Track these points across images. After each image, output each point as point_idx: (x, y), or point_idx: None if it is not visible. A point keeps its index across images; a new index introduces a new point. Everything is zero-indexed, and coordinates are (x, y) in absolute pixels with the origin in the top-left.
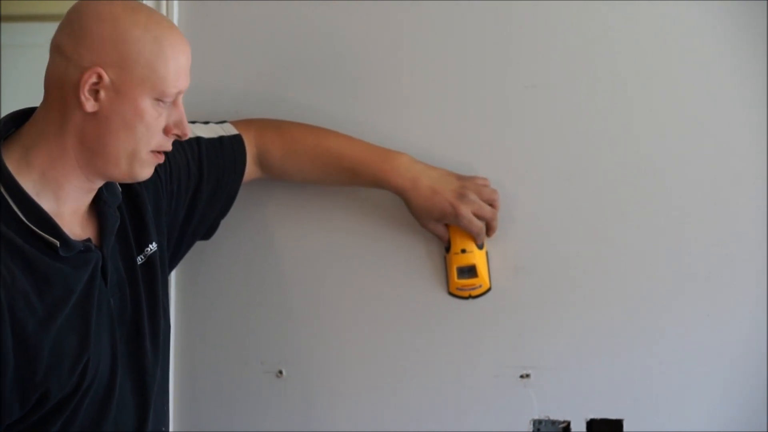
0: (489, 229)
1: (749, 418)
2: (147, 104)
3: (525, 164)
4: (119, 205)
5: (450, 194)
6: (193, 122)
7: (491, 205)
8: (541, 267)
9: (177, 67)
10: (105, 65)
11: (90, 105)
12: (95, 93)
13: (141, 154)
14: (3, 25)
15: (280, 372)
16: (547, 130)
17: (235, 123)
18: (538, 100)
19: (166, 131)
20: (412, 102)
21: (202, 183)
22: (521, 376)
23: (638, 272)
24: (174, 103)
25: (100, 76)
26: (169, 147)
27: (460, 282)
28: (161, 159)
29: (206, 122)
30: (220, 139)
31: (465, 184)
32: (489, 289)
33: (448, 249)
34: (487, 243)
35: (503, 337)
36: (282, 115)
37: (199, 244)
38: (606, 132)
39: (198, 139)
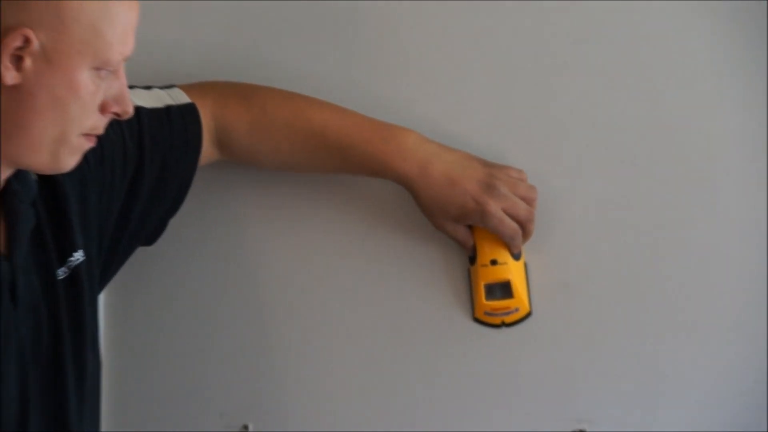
0: (523, 234)
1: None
2: (85, 76)
3: (573, 149)
4: (34, 201)
5: (473, 185)
6: (131, 87)
7: (527, 203)
8: (600, 284)
9: (125, 27)
10: (35, 25)
11: (10, 76)
12: (18, 60)
13: (70, 139)
14: None
15: (245, 428)
16: (603, 103)
17: (186, 88)
18: (590, 60)
19: (103, 108)
20: (422, 63)
21: (143, 168)
22: None
23: (731, 280)
24: (115, 73)
25: (27, 40)
26: (102, 128)
27: (490, 304)
28: (93, 142)
29: (148, 87)
30: (167, 109)
31: (494, 172)
32: (529, 314)
33: (472, 260)
34: (526, 252)
35: (548, 380)
36: (250, 79)
37: (138, 253)
38: (680, 111)
39: (138, 110)
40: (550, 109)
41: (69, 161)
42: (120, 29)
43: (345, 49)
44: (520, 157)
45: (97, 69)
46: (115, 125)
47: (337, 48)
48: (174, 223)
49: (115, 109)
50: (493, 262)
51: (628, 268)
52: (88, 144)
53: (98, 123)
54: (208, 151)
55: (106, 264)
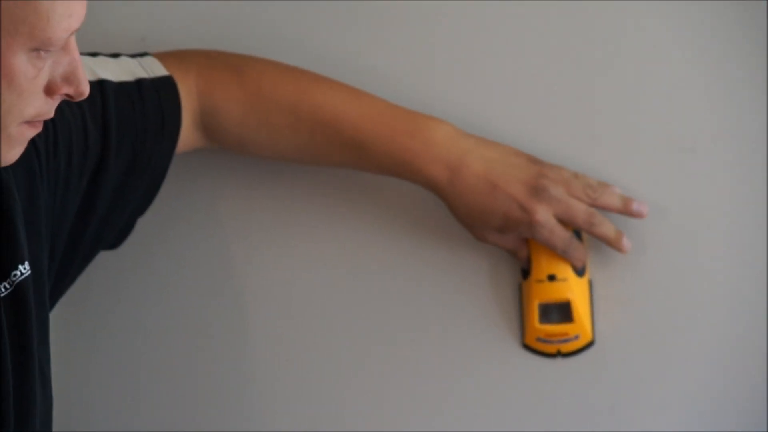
0: (617, 245)
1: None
2: (20, 60)
3: (643, 145)
4: None
5: (518, 188)
6: (94, 54)
7: (593, 203)
8: (682, 310)
9: None
10: None
11: None
12: None
13: (8, 129)
14: None
15: None
16: (674, 88)
17: (163, 57)
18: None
19: (50, 90)
20: (453, 41)
21: (108, 157)
22: None
23: None
24: (64, 47)
25: None
26: (51, 114)
27: (544, 328)
28: (39, 128)
29: (115, 55)
30: (138, 83)
31: (544, 171)
32: (591, 343)
33: (526, 274)
34: (592, 268)
35: (611, 424)
36: (246, 50)
37: (99, 258)
38: None
39: (101, 85)
40: (620, 90)
41: (9, 153)
42: (61, 2)
43: (363, 19)
44: (573, 152)
45: (36, 50)
46: (74, 105)
47: (352, 16)
48: (142, 223)
49: (66, 90)
50: (551, 278)
51: (716, 288)
52: (33, 131)
53: (44, 108)
54: (189, 136)
55: (61, 273)
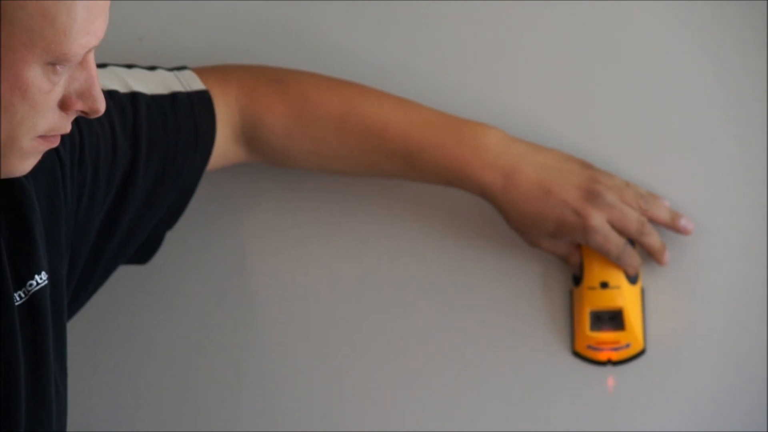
0: (659, 256)
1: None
2: (34, 73)
3: (692, 148)
4: None
5: (572, 193)
6: (130, 66)
7: (644, 213)
8: (737, 321)
9: (88, 11)
10: None
11: None
12: None
13: (21, 142)
14: None
15: None
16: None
17: (201, 71)
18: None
19: (64, 106)
20: (502, 47)
21: (137, 170)
22: None
23: None
24: (81, 62)
25: None
26: (67, 129)
27: (595, 336)
28: (55, 143)
29: (152, 67)
30: (173, 96)
31: (597, 176)
32: (642, 352)
33: (577, 280)
34: (645, 275)
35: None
36: (245, 49)
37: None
38: None
39: (134, 96)
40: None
41: (22, 165)
42: (81, 15)
43: (401, 23)
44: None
45: (52, 64)
46: (104, 117)
47: (391, 21)
48: (171, 237)
49: (80, 106)
50: (604, 285)
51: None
52: (47, 145)
53: (58, 123)
54: (229, 150)
55: (81, 284)
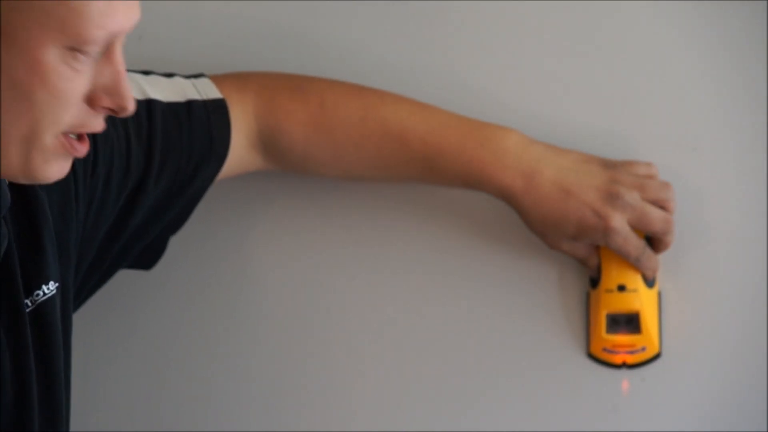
0: (658, 247)
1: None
2: (51, 56)
3: (714, 138)
4: (3, 216)
5: (592, 194)
6: (147, 73)
7: (662, 207)
8: (758, 321)
9: None
10: None
11: None
12: None
13: (43, 139)
14: None
15: None
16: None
17: (219, 79)
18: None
19: (90, 101)
20: (520, 45)
21: (149, 178)
22: None
23: None
24: (107, 55)
25: None
26: (96, 127)
27: (611, 339)
28: (82, 150)
29: (170, 74)
30: (188, 104)
31: (617, 176)
32: (657, 356)
33: (594, 283)
34: (662, 278)
35: None
36: (244, 48)
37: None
38: None
39: (150, 104)
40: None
41: (46, 170)
42: None
43: (416, 23)
44: (644, 148)
45: (71, 49)
46: (119, 126)
47: (403, 21)
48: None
49: (107, 102)
50: (621, 288)
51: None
52: (72, 150)
53: (84, 119)
54: (245, 157)
55: (81, 287)
